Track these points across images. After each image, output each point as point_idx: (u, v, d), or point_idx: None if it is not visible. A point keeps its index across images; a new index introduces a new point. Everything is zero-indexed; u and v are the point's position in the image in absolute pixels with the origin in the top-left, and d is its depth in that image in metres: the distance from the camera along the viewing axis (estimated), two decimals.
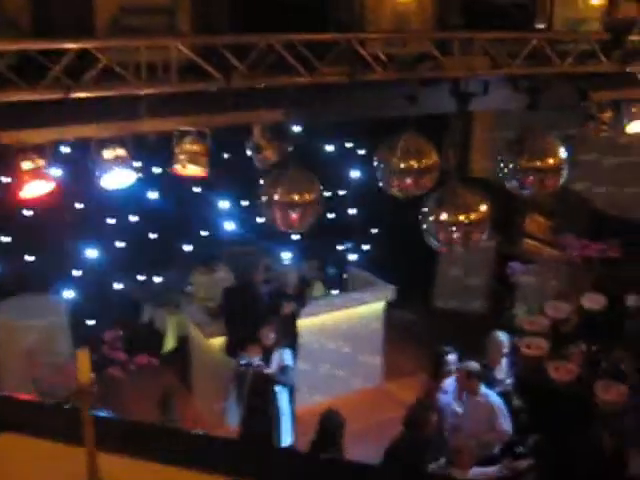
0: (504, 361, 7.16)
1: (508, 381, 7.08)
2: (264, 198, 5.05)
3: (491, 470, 6.11)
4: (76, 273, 9.21)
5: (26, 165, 3.74)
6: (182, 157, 4.47)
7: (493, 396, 6.64)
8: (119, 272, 9.50)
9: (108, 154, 3.98)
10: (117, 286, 9.57)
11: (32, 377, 5.94)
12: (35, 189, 3.84)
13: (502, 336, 7.16)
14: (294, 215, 5.11)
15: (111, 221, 9.40)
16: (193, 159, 4.42)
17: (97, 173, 4.09)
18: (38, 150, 3.81)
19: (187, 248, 9.96)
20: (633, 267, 8.44)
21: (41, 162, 3.79)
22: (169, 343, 9.08)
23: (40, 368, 6.26)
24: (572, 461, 6.21)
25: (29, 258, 8.93)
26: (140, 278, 9.84)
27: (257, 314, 7.41)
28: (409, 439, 6.08)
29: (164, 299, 9.48)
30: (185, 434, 2.47)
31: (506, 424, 6.56)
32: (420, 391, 6.98)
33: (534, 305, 8.16)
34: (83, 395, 1.94)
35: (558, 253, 9.22)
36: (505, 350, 7.12)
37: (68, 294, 9.04)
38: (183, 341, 8.99)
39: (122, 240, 9.58)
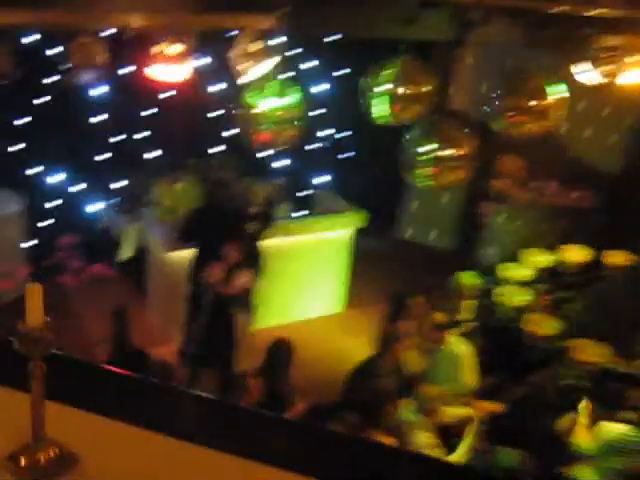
0: (471, 302, 7.07)
1: (473, 323, 7.00)
2: (241, 110, 4.75)
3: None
4: (33, 170, 8.76)
5: None
6: (157, 60, 4.10)
7: (458, 344, 6.53)
8: (80, 173, 9.07)
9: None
10: (77, 188, 9.15)
11: None
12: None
13: (471, 278, 7.03)
14: (273, 132, 4.84)
15: (76, 118, 8.88)
16: (167, 63, 4.05)
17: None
18: None
19: (153, 154, 9.55)
20: (605, 218, 8.36)
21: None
22: (125, 252, 8.78)
23: None
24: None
25: None
26: (101, 183, 9.40)
27: (220, 232, 7.13)
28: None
29: (125, 206, 9.12)
30: (148, 386, 2.27)
31: (470, 376, 6.48)
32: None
33: (507, 249, 8.03)
34: (32, 342, 1.66)
35: (531, 196, 9.05)
36: (474, 293, 7.01)
37: (24, 191, 8.63)
38: (141, 252, 8.69)
39: (86, 140, 9.12)
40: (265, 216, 7.75)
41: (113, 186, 9.32)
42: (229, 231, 7.17)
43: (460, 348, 6.48)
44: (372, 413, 5.57)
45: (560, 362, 6.14)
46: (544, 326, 6.44)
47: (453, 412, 6.05)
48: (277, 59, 4.59)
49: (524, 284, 7.11)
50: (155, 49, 4.27)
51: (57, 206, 8.38)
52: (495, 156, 10.74)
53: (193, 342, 6.91)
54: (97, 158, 9.15)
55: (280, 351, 6.00)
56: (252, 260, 7.12)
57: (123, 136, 9.24)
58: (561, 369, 6.09)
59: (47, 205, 8.44)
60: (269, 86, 4.52)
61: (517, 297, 6.89)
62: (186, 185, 8.62)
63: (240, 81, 4.87)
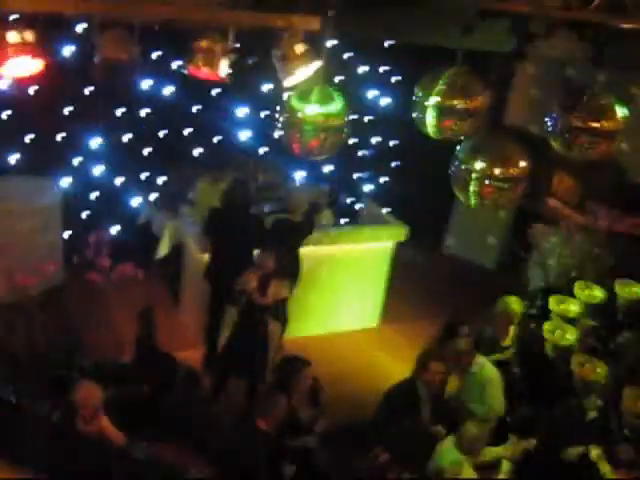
0: (511, 329, 6.73)
1: (511, 350, 6.68)
2: (285, 116, 4.51)
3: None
4: (76, 161, 8.67)
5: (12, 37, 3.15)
6: (198, 56, 3.88)
7: (488, 368, 6.25)
8: (122, 167, 8.95)
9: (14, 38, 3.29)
10: (117, 181, 9.04)
11: (6, 271, 5.47)
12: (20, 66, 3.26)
13: (514, 304, 6.70)
14: (316, 140, 4.58)
15: (120, 112, 8.77)
16: (209, 60, 3.83)
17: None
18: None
19: (196, 152, 9.40)
20: None
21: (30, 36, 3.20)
22: (162, 249, 8.61)
23: (17, 262, 5.81)
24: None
25: (27, 138, 8.35)
26: (143, 177, 9.28)
27: (253, 238, 6.97)
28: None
29: (164, 203, 8.97)
30: None
31: (497, 400, 6.22)
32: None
33: (556, 273, 7.64)
34: None
35: (584, 220, 8.64)
36: (515, 320, 6.68)
37: (65, 182, 8.55)
38: (177, 250, 8.53)
39: (129, 134, 9.01)
40: (307, 224, 7.52)
41: (154, 181, 9.21)
42: (267, 238, 6.99)
43: (490, 372, 6.26)
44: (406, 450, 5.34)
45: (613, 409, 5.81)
46: (594, 371, 6.09)
47: (491, 452, 5.78)
48: (322, 62, 4.35)
49: (573, 320, 6.72)
50: (198, 44, 4.07)
51: (96, 199, 8.27)
52: (551, 175, 10.39)
53: (222, 349, 6.72)
54: (140, 152, 9.01)
55: (290, 367, 5.73)
56: (289, 269, 6.91)
57: (166, 131, 9.10)
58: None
59: (85, 197, 8.33)
60: (314, 91, 4.28)
61: (567, 336, 6.51)
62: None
63: (286, 83, 4.65)
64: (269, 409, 5.24)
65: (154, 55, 5.40)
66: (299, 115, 4.38)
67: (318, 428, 5.71)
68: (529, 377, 6.59)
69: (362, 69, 9.51)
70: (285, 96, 4.49)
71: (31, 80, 3.60)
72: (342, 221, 9.64)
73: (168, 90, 8.63)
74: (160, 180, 9.25)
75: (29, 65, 3.26)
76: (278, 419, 5.29)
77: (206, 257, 7.36)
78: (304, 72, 4.39)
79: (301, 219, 7.41)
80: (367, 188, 10.47)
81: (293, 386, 5.56)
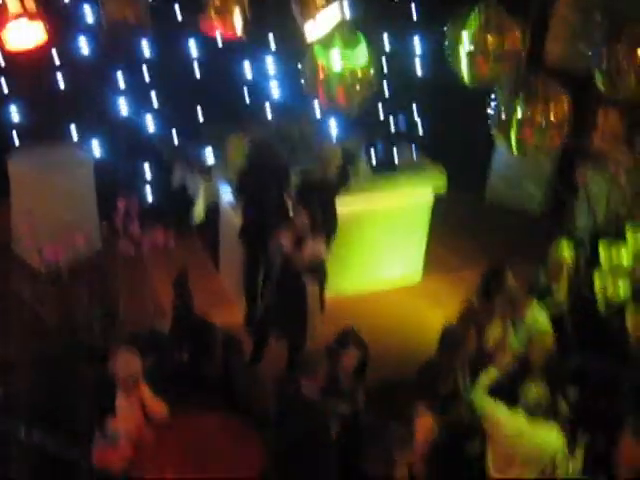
0: (565, 277, 6.44)
1: (564, 306, 6.41)
2: (309, 70, 4.30)
3: None
4: (106, 127, 8.55)
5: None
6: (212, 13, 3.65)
7: (541, 319, 6.01)
8: (153, 131, 8.81)
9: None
10: (149, 146, 8.90)
11: (37, 244, 5.40)
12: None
13: (567, 249, 6.39)
14: (342, 92, 4.37)
15: (148, 76, 8.58)
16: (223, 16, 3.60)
17: None
18: None
19: (227, 111, 9.19)
20: None
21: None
22: (199, 213, 8.50)
23: (47, 234, 5.74)
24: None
25: (55, 105, 8.24)
26: (175, 139, 9.14)
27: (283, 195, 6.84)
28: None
29: (198, 164, 8.83)
30: None
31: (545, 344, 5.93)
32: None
33: (605, 217, 7.30)
34: None
35: (633, 157, 8.22)
36: (567, 266, 6.39)
37: (96, 148, 8.45)
38: (213, 212, 8.41)
39: (159, 97, 8.83)
40: (340, 179, 7.31)
41: (186, 143, 9.06)
42: (278, 190, 6.79)
43: (543, 323, 6.02)
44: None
45: None
46: None
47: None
48: (346, 9, 4.10)
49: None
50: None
51: (128, 165, 8.18)
52: (595, 111, 9.92)
53: (261, 311, 6.62)
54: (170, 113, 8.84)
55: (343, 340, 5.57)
56: (324, 226, 6.72)
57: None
58: None
59: (117, 164, 8.23)
60: (337, 35, 4.04)
61: (619, 290, 6.20)
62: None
63: (308, 37, 4.41)
64: (312, 370, 5.12)
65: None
66: (323, 64, 4.16)
67: (358, 397, 5.57)
68: (580, 327, 6.34)
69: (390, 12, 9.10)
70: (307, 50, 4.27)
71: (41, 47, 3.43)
72: (379, 172, 9.42)
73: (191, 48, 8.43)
74: (192, 141, 9.09)
75: (31, 32, 3.08)
76: (321, 382, 5.18)
77: (240, 217, 7.23)
78: (325, 16, 4.12)
79: (334, 174, 7.19)
80: (404, 137, 10.14)
81: (340, 357, 5.40)
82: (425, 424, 4.96)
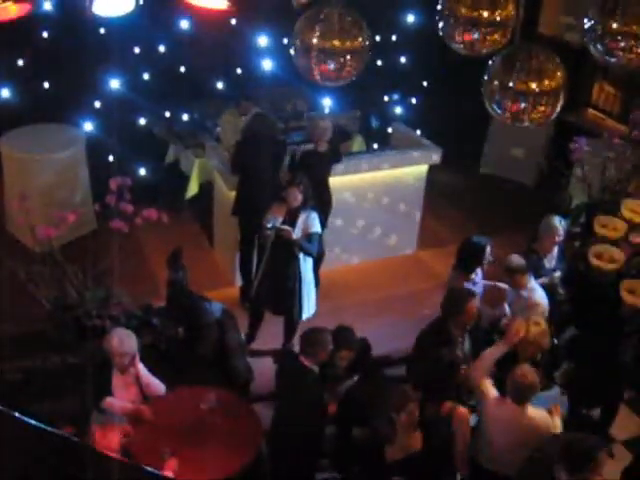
0: (556, 249, 6.46)
1: (557, 273, 6.41)
2: (298, 42, 4.23)
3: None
4: (97, 104, 8.47)
5: None
6: None
7: (538, 293, 6.01)
8: (144, 107, 8.73)
9: None
10: (141, 122, 8.83)
11: (30, 224, 5.36)
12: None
13: (558, 222, 6.39)
14: (333, 65, 4.30)
15: (137, 50, 8.50)
16: None
17: None
18: None
19: (219, 86, 9.12)
20: None
21: None
22: (193, 188, 8.46)
23: (39, 214, 5.70)
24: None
25: (45, 85, 8.16)
26: (167, 115, 9.06)
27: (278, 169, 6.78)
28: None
29: (191, 140, 8.77)
30: None
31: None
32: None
33: (598, 189, 7.28)
34: None
35: (628, 130, 8.17)
36: (560, 238, 6.39)
37: (88, 127, 8.37)
38: (207, 188, 8.37)
39: (149, 72, 8.75)
40: (332, 153, 7.27)
41: (179, 119, 8.99)
42: (275, 161, 6.75)
43: (539, 296, 6.00)
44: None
45: None
46: None
47: None
48: None
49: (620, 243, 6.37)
50: None
51: (120, 142, 8.10)
52: (590, 85, 9.86)
53: (255, 285, 6.60)
54: (161, 90, 8.76)
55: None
56: (318, 200, 6.69)
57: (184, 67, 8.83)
58: None
59: (109, 142, 8.16)
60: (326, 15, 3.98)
61: (615, 263, 6.17)
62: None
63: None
64: (315, 349, 5.12)
65: None
66: (313, 41, 4.11)
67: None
68: (575, 299, 6.35)
69: None
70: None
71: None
72: (374, 146, 9.38)
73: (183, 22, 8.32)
74: (184, 117, 9.02)
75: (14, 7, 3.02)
76: (322, 360, 5.19)
77: (234, 192, 7.19)
78: None
79: (326, 148, 7.15)
80: (398, 110, 10.08)
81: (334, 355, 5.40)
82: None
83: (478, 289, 6.10)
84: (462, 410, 5.10)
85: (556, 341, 6.36)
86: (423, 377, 5.41)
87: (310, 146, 7.25)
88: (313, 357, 5.11)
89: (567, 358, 6.28)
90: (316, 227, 6.29)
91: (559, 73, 4.39)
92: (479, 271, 6.29)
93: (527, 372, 4.75)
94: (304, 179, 6.31)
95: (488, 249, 6.16)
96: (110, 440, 4.78)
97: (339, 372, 5.49)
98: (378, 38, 8.43)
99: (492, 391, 4.94)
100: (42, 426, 2.99)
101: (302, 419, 5.06)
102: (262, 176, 6.93)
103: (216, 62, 8.92)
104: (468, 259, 6.21)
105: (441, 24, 4.41)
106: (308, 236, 6.23)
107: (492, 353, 5.20)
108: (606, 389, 5.96)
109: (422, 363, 5.52)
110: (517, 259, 6.00)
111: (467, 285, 6.02)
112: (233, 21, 8.81)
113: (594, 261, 6.17)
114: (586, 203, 7.42)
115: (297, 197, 6.21)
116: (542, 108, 4.44)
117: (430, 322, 5.69)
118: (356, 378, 5.61)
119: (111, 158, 8.35)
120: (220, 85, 9.09)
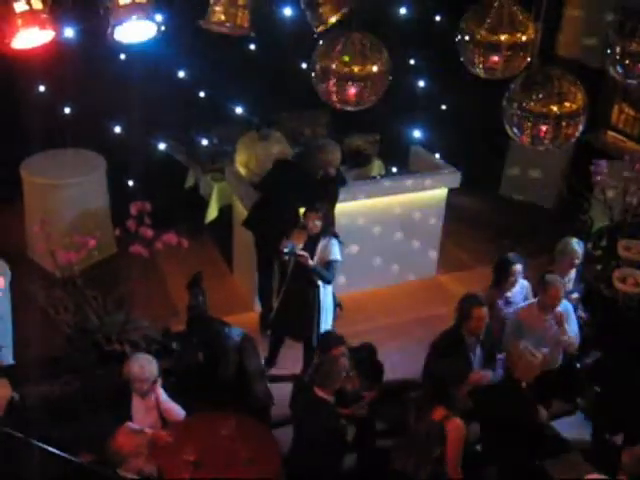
0: (574, 272, 6.41)
1: (575, 295, 6.34)
2: (317, 66, 4.25)
3: None
4: (117, 130, 8.54)
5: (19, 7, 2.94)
6: (217, 9, 3.61)
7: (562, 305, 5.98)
8: (164, 132, 8.80)
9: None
10: (161, 147, 8.89)
11: (50, 249, 5.39)
12: (30, 38, 3.06)
13: (577, 245, 6.35)
14: (352, 89, 4.32)
15: (156, 75, 8.56)
16: (230, 13, 3.55)
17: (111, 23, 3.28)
18: None
19: (239, 110, 9.16)
20: None
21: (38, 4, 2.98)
22: (212, 213, 8.48)
23: (60, 239, 5.72)
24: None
25: (65, 110, 8.24)
26: (186, 140, 9.11)
27: (302, 196, 6.73)
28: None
29: (210, 164, 8.81)
30: None
31: (572, 333, 5.95)
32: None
33: (619, 211, 7.21)
34: None
35: None
36: (578, 261, 6.34)
37: (107, 152, 8.44)
38: (226, 212, 8.38)
39: (169, 97, 8.81)
40: (338, 180, 7.24)
41: (199, 143, 9.03)
42: (313, 195, 6.76)
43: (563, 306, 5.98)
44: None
45: None
46: None
47: None
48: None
49: None
50: None
51: (143, 163, 8.16)
52: (610, 107, 9.82)
53: (274, 311, 6.58)
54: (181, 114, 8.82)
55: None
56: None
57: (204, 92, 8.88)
58: None
59: (130, 167, 8.22)
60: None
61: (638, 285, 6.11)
62: (273, 143, 8.18)
63: (317, 30, 4.37)
64: (331, 381, 5.08)
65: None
66: (332, 66, 4.13)
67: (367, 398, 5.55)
68: (598, 323, 6.28)
69: (400, 10, 9.04)
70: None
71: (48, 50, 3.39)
72: (393, 170, 9.35)
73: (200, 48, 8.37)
74: (204, 142, 9.06)
75: (39, 36, 3.06)
76: (334, 389, 5.15)
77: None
78: (334, 16, 4.10)
79: (333, 175, 7.12)
80: (417, 134, 10.07)
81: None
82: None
83: (511, 308, 6.16)
84: (457, 421, 4.96)
85: (578, 365, 6.30)
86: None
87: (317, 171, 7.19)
88: (329, 388, 5.07)
89: (590, 382, 6.21)
90: (334, 255, 6.24)
91: (579, 95, 4.38)
92: (519, 290, 6.29)
93: None
94: (323, 206, 6.30)
95: (518, 267, 6.14)
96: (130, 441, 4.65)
97: (350, 393, 5.45)
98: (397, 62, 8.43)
99: None
100: (61, 453, 2.97)
101: (320, 447, 5.01)
102: (284, 213, 6.88)
103: (236, 87, 8.96)
104: (497, 275, 6.25)
105: (461, 48, 4.42)
106: (327, 263, 6.20)
107: None
108: (630, 414, 5.86)
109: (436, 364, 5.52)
110: (552, 277, 5.96)
111: (500, 302, 6.14)
112: (252, 46, 8.89)
113: (618, 285, 6.10)
114: (607, 226, 7.35)
115: (316, 224, 6.19)
116: (563, 130, 4.43)
117: (444, 331, 5.87)
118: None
119: (131, 183, 8.43)
120: (240, 110, 9.13)
